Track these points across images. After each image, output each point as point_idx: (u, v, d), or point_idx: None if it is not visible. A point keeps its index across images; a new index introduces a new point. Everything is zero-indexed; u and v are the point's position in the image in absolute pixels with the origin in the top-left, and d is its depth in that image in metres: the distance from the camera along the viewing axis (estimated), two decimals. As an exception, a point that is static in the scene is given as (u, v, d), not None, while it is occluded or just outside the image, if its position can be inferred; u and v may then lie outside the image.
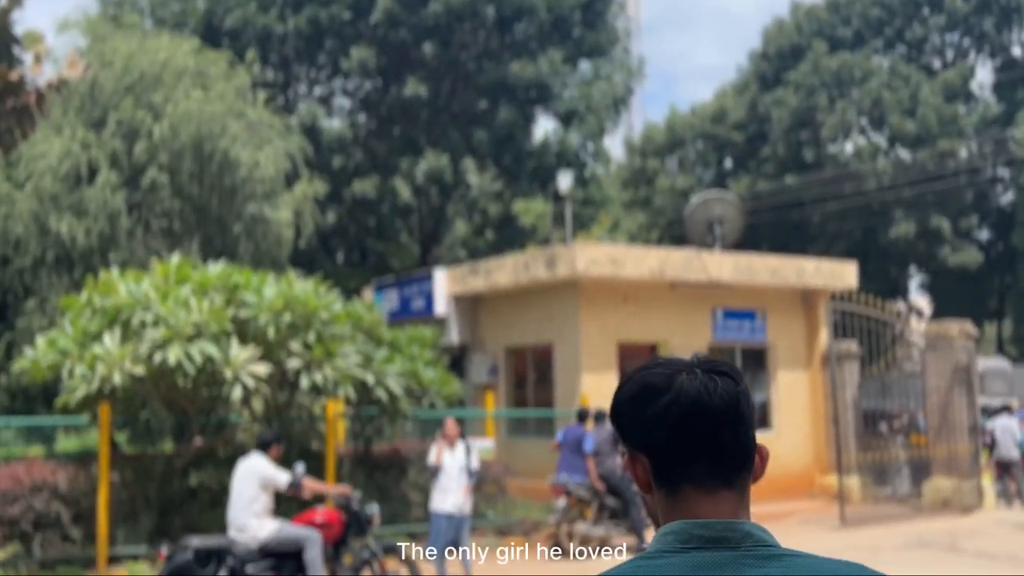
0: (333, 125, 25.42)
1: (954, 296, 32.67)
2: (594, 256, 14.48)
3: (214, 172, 16.13)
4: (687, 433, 1.34)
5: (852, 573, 1.30)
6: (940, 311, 32.18)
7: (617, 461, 11.78)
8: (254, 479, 7.68)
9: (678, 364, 1.40)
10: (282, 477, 7.72)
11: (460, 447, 8.94)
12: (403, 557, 8.43)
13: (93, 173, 15.81)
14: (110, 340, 9.58)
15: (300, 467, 8.02)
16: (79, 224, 15.16)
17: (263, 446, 7.92)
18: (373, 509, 8.30)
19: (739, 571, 1.26)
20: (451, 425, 9.06)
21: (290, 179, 18.60)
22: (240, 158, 16.02)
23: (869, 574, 1.31)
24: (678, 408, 1.34)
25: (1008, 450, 16.01)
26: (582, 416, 12.22)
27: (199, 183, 16.19)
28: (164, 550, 7.53)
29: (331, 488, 8.58)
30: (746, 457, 1.36)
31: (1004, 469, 16.21)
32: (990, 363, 27.54)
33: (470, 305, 17.07)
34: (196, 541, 7.59)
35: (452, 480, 8.76)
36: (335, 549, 8.05)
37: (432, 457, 8.97)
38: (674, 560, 1.29)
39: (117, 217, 15.39)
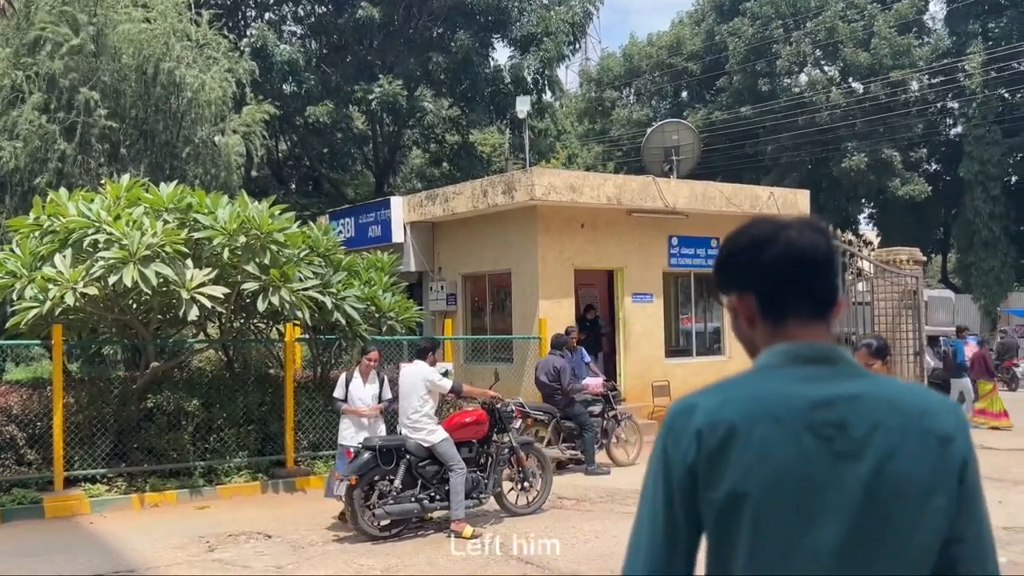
0: (284, 50, 24.64)
1: (901, 227, 33.30)
2: (552, 182, 14.44)
3: (158, 94, 15.62)
4: (794, 277, 1.64)
5: (922, 393, 1.62)
6: (887, 242, 32.78)
7: (579, 384, 12.04)
8: (422, 383, 8.39)
9: (783, 221, 1.68)
10: (447, 383, 8.59)
11: (373, 377, 9.20)
12: (536, 451, 9.53)
13: (29, 94, 15.25)
14: (61, 262, 9.37)
15: (448, 367, 9.01)
16: (12, 146, 14.67)
17: (421, 353, 8.65)
18: (512, 409, 9.20)
19: (838, 383, 1.58)
20: (373, 354, 9.24)
21: (239, 103, 18.11)
22: (185, 80, 15.52)
23: (936, 397, 1.63)
24: (788, 256, 1.63)
25: None
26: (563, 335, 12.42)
27: (143, 105, 15.69)
28: (352, 450, 8.40)
29: (485, 392, 9.11)
30: (835, 298, 1.67)
31: None
32: (934, 293, 28.29)
33: (427, 232, 16.98)
34: (378, 441, 8.41)
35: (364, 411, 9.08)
36: (481, 444, 8.92)
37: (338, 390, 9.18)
38: (784, 372, 1.62)
39: (52, 139, 14.89)
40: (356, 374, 9.19)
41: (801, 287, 1.64)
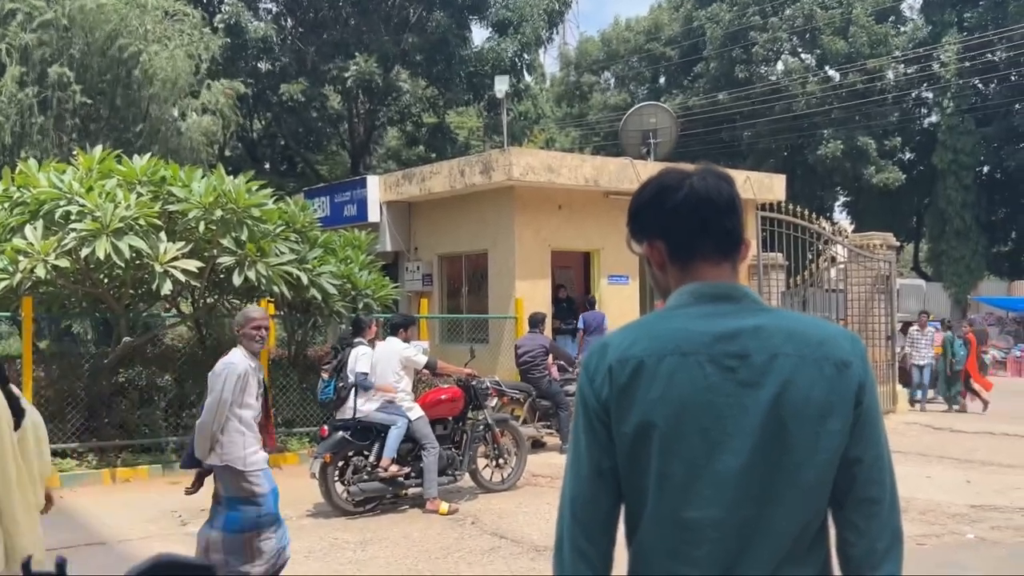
0: (258, 27, 24.31)
1: (874, 215, 33.56)
2: (530, 163, 14.40)
3: (117, 70, 15.38)
4: (698, 220, 1.71)
5: (822, 324, 1.70)
6: (861, 229, 33.01)
7: (553, 370, 12.05)
8: (396, 359, 8.35)
9: (687, 171, 1.76)
10: (421, 359, 8.53)
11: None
12: (511, 428, 9.46)
13: (3, 68, 14.99)
14: (32, 233, 9.22)
15: (424, 346, 9.19)
16: None
17: (394, 329, 8.61)
18: (488, 387, 9.16)
19: (740, 318, 1.66)
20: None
21: (211, 78, 17.88)
22: (148, 54, 15.27)
23: (834, 327, 1.71)
24: (691, 200, 1.71)
25: None
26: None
27: (109, 81, 15.44)
28: (325, 428, 8.28)
29: (460, 369, 9.04)
30: (740, 240, 1.75)
31: None
32: (905, 281, 28.60)
33: (404, 212, 16.88)
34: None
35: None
36: (456, 421, 8.88)
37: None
38: (691, 310, 1.69)
39: (29, 113, 14.65)
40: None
41: (705, 230, 1.71)
